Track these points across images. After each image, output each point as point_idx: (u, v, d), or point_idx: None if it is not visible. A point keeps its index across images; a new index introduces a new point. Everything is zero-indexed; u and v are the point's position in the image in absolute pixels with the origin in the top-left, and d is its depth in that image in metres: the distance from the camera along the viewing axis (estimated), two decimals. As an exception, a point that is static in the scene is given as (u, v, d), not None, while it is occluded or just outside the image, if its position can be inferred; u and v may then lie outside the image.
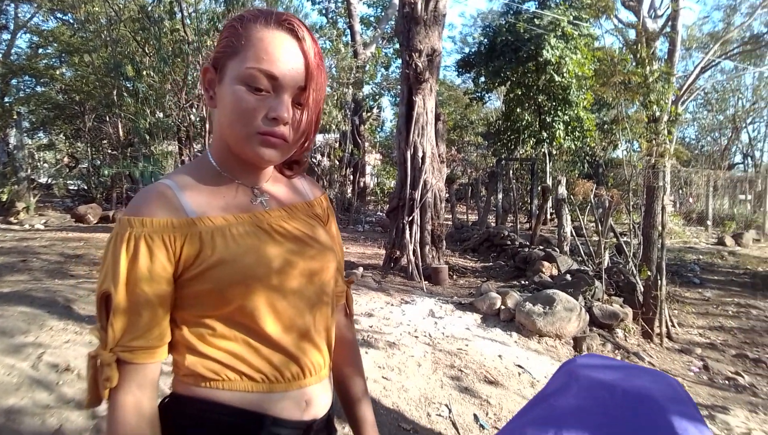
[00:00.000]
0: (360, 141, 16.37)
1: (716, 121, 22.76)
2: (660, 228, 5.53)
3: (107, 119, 14.16)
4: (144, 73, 9.76)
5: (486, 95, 16.52)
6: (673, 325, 6.20)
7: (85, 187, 15.69)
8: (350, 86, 14.09)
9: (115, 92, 11.81)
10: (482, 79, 14.90)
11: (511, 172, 16.06)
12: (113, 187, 13.80)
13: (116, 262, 0.84)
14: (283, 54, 0.88)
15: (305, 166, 1.12)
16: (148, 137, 10.11)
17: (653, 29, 9.76)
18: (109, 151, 14.58)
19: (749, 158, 22.40)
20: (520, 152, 16.02)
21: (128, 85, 11.05)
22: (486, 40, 14.15)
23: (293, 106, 0.91)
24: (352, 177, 17.04)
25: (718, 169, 18.55)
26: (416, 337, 4.75)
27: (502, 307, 5.46)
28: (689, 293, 8.07)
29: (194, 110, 10.34)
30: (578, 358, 1.40)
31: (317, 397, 0.99)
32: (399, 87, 8.38)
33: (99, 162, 15.09)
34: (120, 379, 0.84)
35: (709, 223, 14.58)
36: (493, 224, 13.36)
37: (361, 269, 7.39)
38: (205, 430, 0.90)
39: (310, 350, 0.97)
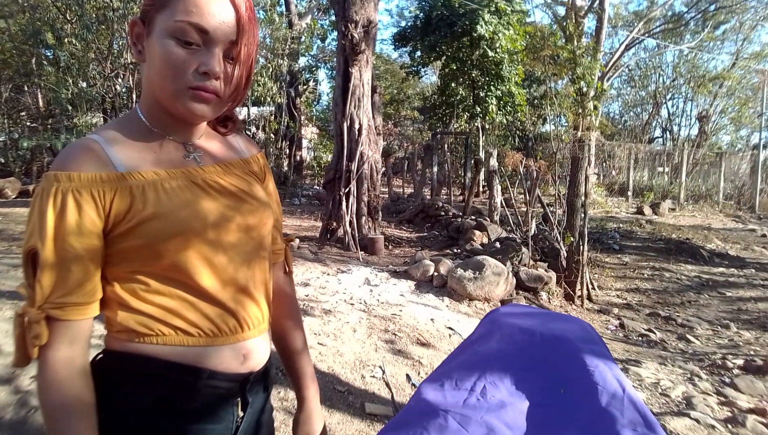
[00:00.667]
0: (296, 114, 16.13)
1: (639, 96, 23.97)
2: (583, 197, 5.84)
3: (26, 89, 13.27)
4: (65, 40, 9.20)
5: (422, 69, 16.63)
6: (594, 288, 6.60)
7: (2, 161, 14.73)
8: (285, 58, 13.81)
9: (33, 61, 11.07)
10: (418, 53, 14.97)
11: (446, 145, 16.31)
12: (33, 161, 13.02)
13: (42, 217, 0.83)
14: (213, 7, 0.87)
15: (240, 124, 1.11)
16: (70, 108, 9.57)
17: (582, 6, 10.15)
18: (29, 123, 13.69)
19: (668, 132, 23.76)
20: (455, 126, 16.28)
21: (48, 54, 10.37)
22: (422, 14, 14.18)
23: (224, 60, 0.90)
24: (288, 150, 16.81)
25: (639, 142, 19.55)
26: (352, 304, 4.84)
27: (435, 273, 5.63)
28: (609, 259, 8.58)
29: (120, 80, 9.87)
30: (501, 308, 1.50)
31: (255, 351, 1.00)
32: (335, 59, 8.32)
33: (17, 134, 14.15)
34: (50, 336, 0.83)
35: (629, 193, 15.44)
36: (428, 196, 13.59)
37: (297, 241, 7.39)
38: (139, 384, 0.90)
39: (249, 304, 0.98)
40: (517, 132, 18.22)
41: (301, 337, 1.22)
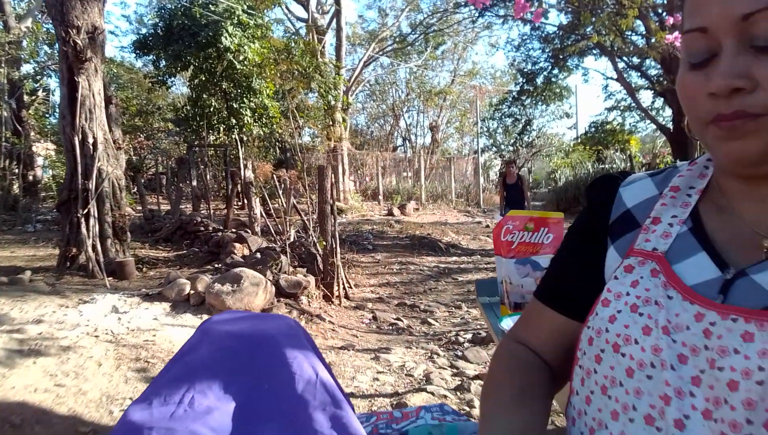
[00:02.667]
0: (22, 128, 14.04)
1: (381, 109, 26.29)
2: (330, 202, 6.22)
3: None
4: None
5: (169, 79, 15.81)
6: (350, 287, 7.06)
7: None
8: (2, 64, 11.94)
9: None
10: (163, 62, 14.20)
11: (205, 158, 15.81)
12: None
13: None
14: None
15: None
16: None
17: (321, 24, 10.83)
18: None
19: (408, 141, 26.55)
20: (213, 138, 15.86)
21: None
22: (162, 22, 13.48)
23: None
24: (17, 170, 14.53)
25: (385, 151, 21.44)
26: (97, 336, 4.43)
27: (192, 291, 5.46)
28: (364, 258, 9.26)
29: None
30: (213, 317, 1.55)
31: None
32: (59, 67, 7.48)
33: None
34: None
35: (381, 197, 16.84)
36: (189, 212, 13.01)
37: (28, 273, 6.46)
38: None
39: None
40: (277, 143, 18.48)
41: None
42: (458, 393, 4.02)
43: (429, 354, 4.95)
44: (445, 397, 3.89)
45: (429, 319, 6.15)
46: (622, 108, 19.68)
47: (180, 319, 5.04)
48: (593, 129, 20.12)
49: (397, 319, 6.14)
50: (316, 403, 1.32)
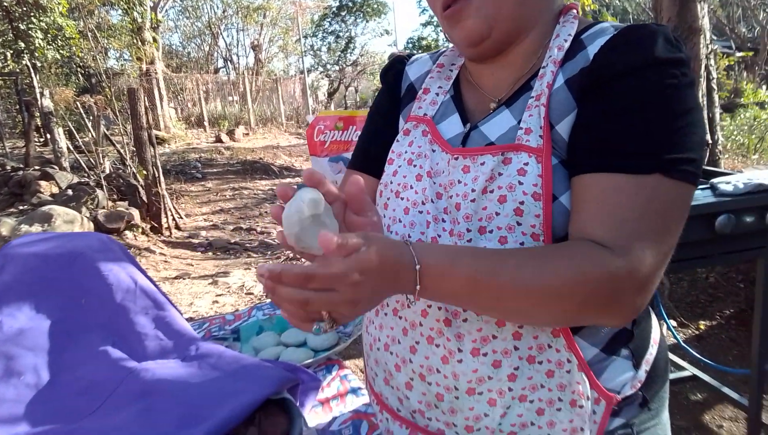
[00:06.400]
0: None
1: (196, 28, 24.12)
2: (147, 127, 5.82)
3: None
4: None
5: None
6: (181, 217, 6.80)
7: None
8: None
9: None
10: None
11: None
12: None
13: None
14: None
15: None
16: None
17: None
18: None
19: (230, 63, 24.83)
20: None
21: None
22: None
23: None
24: None
25: (206, 73, 20.09)
26: None
27: (-6, 237, 4.90)
28: (194, 187, 8.91)
29: None
30: (13, 241, 1.46)
31: None
32: None
33: None
34: None
35: (206, 124, 15.96)
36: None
37: None
38: None
39: None
40: (79, 69, 16.39)
41: None
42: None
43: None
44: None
45: (267, 240, 6.21)
46: (436, 23, 20.45)
47: (-18, 269, 4.52)
48: (411, 45, 20.67)
49: (234, 243, 6.11)
50: (137, 308, 1.33)
